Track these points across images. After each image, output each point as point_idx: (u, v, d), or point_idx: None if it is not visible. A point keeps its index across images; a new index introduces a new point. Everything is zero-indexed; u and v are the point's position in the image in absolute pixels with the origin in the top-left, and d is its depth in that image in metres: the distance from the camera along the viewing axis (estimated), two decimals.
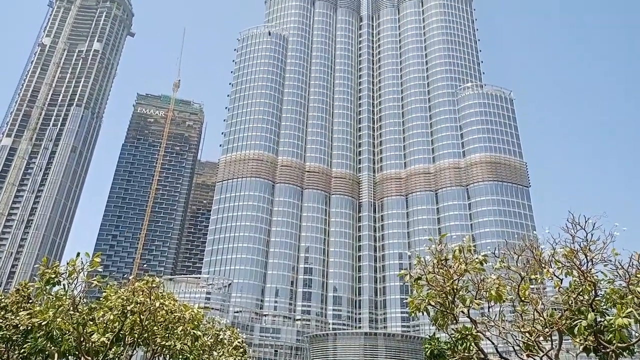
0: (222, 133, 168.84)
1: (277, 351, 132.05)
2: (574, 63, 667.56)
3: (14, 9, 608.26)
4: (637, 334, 15.65)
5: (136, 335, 22.95)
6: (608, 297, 14.63)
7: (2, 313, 32.96)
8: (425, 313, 16.24)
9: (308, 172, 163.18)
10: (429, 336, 71.34)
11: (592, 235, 14.86)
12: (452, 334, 16.80)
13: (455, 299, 15.95)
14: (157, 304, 21.33)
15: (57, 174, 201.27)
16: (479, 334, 16.42)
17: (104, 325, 22.23)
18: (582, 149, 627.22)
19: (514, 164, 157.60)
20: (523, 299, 15.92)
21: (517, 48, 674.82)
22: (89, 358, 22.25)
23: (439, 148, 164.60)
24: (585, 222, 15.35)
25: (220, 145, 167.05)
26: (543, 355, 15.66)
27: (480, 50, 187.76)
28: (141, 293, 21.46)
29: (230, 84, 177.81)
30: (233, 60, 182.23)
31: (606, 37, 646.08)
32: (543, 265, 15.82)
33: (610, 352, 14.18)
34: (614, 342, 13.66)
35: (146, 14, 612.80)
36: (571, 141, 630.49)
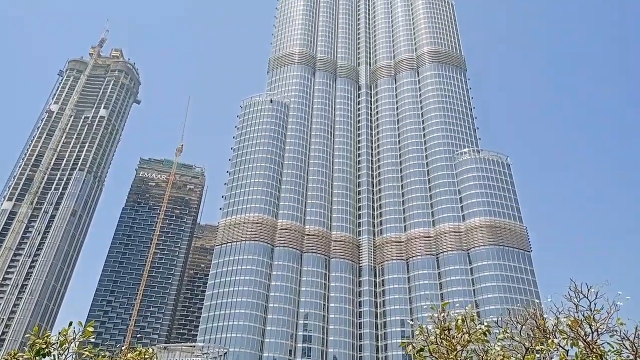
0: (223, 196, 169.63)
1: None
2: (570, 126, 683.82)
3: (24, 78, 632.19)
4: None
5: None
6: None
7: None
8: None
9: (307, 235, 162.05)
10: None
11: (595, 304, 14.63)
12: None
13: None
14: None
15: (55, 238, 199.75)
16: None
17: None
18: (582, 214, 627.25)
19: (514, 228, 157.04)
20: None
21: (514, 115, 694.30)
22: None
23: (439, 212, 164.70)
24: (588, 290, 15.15)
25: (220, 209, 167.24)
26: None
27: (476, 117, 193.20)
28: None
29: (232, 148, 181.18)
30: (235, 126, 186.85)
31: (604, 97, 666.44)
32: (547, 335, 15.44)
33: None
34: None
35: (153, 81, 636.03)
36: (571, 206, 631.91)
